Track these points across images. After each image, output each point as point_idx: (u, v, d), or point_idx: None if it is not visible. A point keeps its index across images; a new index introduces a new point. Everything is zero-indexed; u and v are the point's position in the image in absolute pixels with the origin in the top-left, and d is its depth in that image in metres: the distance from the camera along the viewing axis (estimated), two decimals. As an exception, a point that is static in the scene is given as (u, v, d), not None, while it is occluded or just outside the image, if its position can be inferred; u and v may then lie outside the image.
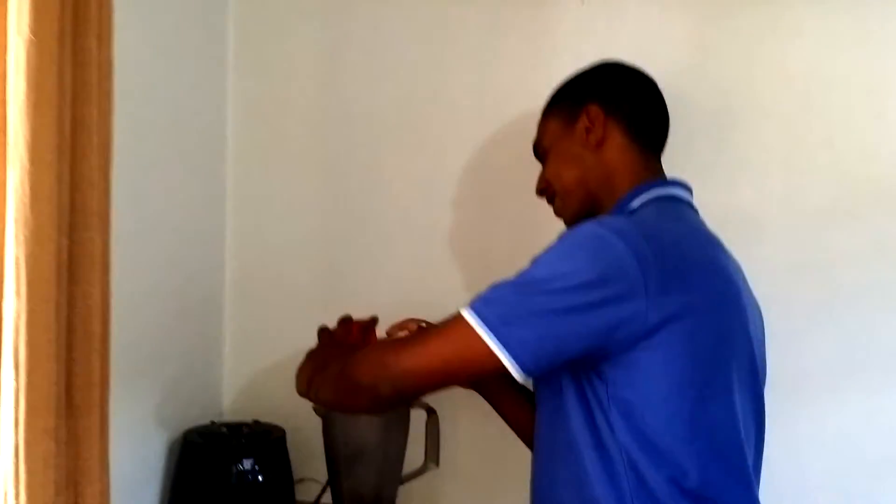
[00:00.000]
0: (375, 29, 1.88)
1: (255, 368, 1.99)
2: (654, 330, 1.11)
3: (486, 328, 1.11)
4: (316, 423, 1.71)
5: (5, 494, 1.21)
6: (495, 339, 1.11)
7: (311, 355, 1.42)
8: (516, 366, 1.11)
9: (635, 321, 1.10)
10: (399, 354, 1.18)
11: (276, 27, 1.96)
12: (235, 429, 1.80)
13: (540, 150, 1.43)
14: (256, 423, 1.85)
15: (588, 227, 1.17)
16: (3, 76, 1.17)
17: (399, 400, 1.22)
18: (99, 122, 1.27)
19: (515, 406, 1.49)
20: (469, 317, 1.13)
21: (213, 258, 1.98)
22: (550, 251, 1.17)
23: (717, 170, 1.64)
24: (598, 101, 1.33)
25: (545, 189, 1.42)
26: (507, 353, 1.10)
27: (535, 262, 1.17)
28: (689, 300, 1.13)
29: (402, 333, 1.48)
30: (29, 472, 1.19)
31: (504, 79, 1.81)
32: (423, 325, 1.45)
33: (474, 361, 1.14)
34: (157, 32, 1.72)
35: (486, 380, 1.48)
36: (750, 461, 1.23)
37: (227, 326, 2.01)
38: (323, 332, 1.46)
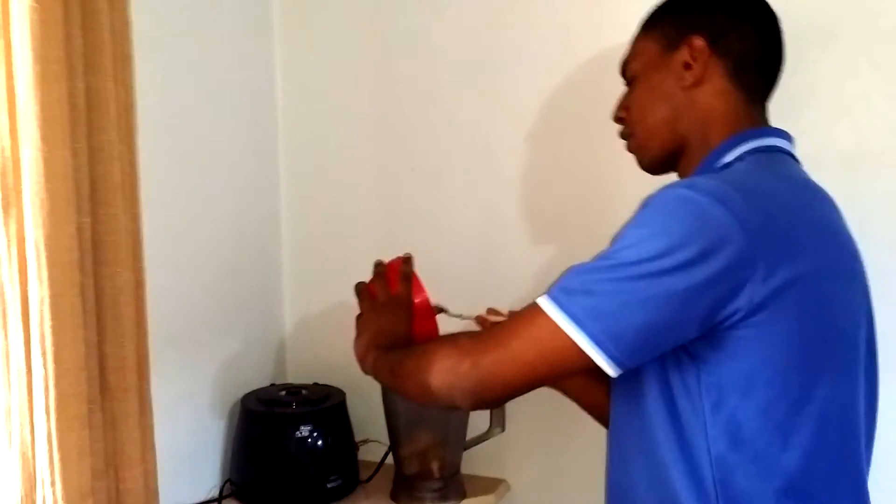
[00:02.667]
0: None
1: (315, 328, 1.93)
2: (761, 305, 0.96)
3: (574, 325, 0.97)
4: (377, 384, 1.64)
5: (42, 482, 1.18)
6: (586, 336, 0.96)
7: (362, 324, 1.32)
8: (612, 364, 0.97)
9: (741, 297, 0.95)
10: (477, 361, 1.04)
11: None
12: (294, 392, 1.75)
13: (628, 72, 1.23)
14: (316, 385, 1.80)
15: (680, 192, 0.99)
16: (9, 47, 1.10)
17: (479, 407, 1.12)
18: (117, 91, 1.19)
19: (590, 388, 1.34)
20: (553, 312, 0.98)
21: (268, 217, 1.91)
22: (638, 225, 1.00)
23: (810, 111, 1.45)
24: (705, 33, 1.13)
25: (623, 118, 1.23)
26: (600, 352, 0.96)
27: (621, 239, 1.00)
28: (802, 269, 0.97)
29: (499, 318, 1.34)
30: (63, 459, 1.16)
31: (573, 18, 1.65)
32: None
33: (563, 362, 1.00)
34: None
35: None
36: (862, 453, 1.09)
37: (285, 287, 1.95)
38: (361, 292, 1.34)
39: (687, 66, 1.13)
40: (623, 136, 1.23)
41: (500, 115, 1.73)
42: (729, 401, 1.00)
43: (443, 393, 1.07)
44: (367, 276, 1.39)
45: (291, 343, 1.96)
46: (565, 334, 0.97)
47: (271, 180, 1.91)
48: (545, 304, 0.99)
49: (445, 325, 1.35)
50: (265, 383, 1.83)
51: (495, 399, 1.09)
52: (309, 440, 1.66)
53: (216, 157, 1.71)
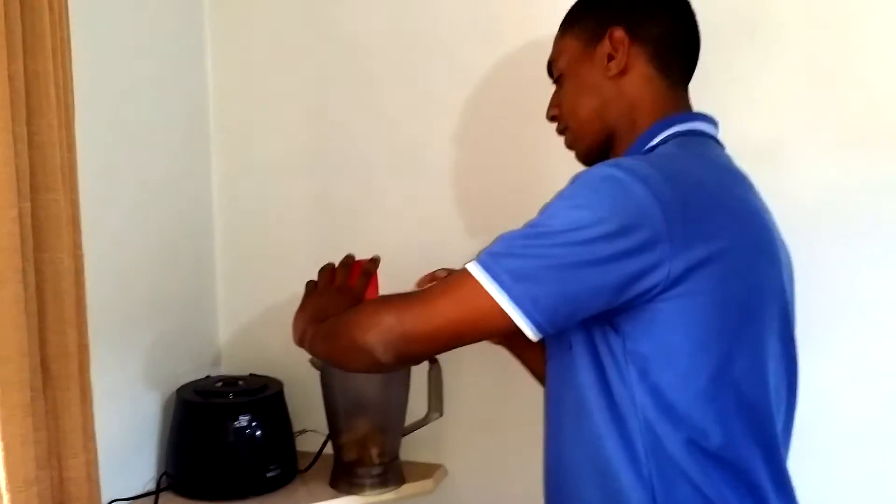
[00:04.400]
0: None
1: (250, 319, 1.92)
2: (678, 280, 1.01)
3: (496, 285, 1.01)
4: (314, 375, 1.65)
5: (-16, 474, 1.16)
6: (507, 296, 1.01)
7: (309, 300, 1.35)
8: (531, 325, 1.02)
9: (658, 272, 1.00)
10: (402, 315, 1.08)
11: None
12: (231, 383, 1.74)
13: (554, 71, 1.28)
14: (253, 376, 1.79)
15: (605, 170, 1.05)
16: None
17: (400, 364, 1.14)
18: (56, 74, 1.17)
19: (538, 356, 1.36)
20: (478, 273, 1.03)
21: (200, 206, 1.89)
22: (564, 198, 1.05)
23: (731, 99, 1.52)
24: (623, 24, 1.18)
25: (557, 116, 1.28)
26: (520, 312, 1.01)
27: (548, 210, 1.06)
28: (718, 246, 1.03)
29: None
30: (7, 449, 1.14)
31: (499, 9, 1.68)
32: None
33: (484, 322, 1.05)
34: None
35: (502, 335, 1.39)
36: (779, 420, 1.15)
37: (218, 276, 1.94)
38: (322, 272, 1.39)
39: (610, 58, 1.18)
40: (559, 131, 1.28)
41: (427, 109, 1.75)
42: (653, 370, 1.05)
43: (367, 345, 1.10)
44: (298, 271, 1.43)
45: (226, 335, 1.95)
46: (488, 294, 1.02)
47: (203, 173, 1.89)
48: (472, 267, 1.04)
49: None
50: (201, 376, 1.81)
51: (416, 354, 1.14)
52: (247, 430, 1.66)
53: (148, 150, 1.69)
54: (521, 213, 1.48)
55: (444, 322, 1.07)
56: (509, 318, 1.02)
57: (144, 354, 1.70)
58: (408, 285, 1.54)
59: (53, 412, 1.22)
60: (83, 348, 1.26)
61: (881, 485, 1.54)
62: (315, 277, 1.40)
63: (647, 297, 1.02)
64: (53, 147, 1.16)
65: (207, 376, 1.82)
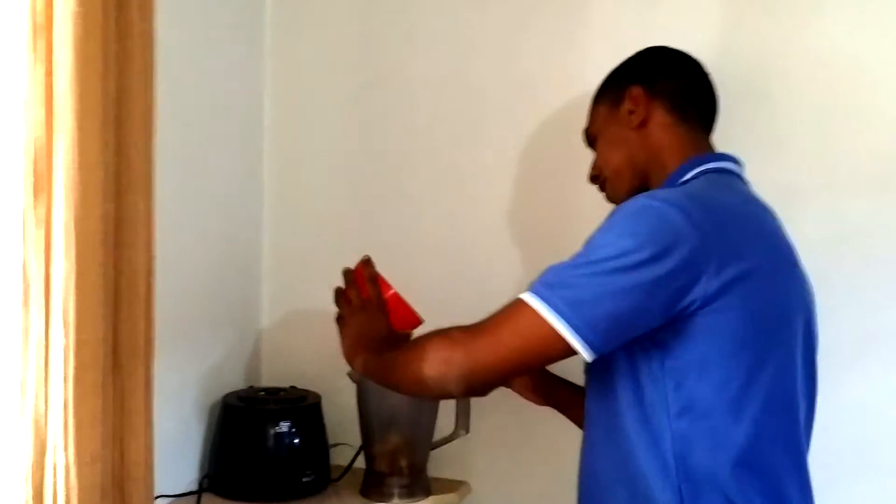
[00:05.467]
0: (408, 13, 1.93)
1: (292, 336, 2.04)
2: (714, 295, 1.12)
3: (555, 314, 1.11)
4: (350, 391, 1.76)
5: (55, 448, 1.27)
6: (566, 323, 1.11)
7: (346, 330, 1.45)
8: (588, 348, 1.12)
9: (698, 288, 1.12)
10: (469, 350, 1.18)
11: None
12: (273, 393, 1.86)
13: (590, 137, 1.45)
14: (293, 388, 1.90)
15: (641, 201, 1.18)
16: (50, 48, 1.22)
17: (469, 395, 1.24)
18: (141, 91, 1.31)
19: (574, 401, 1.48)
20: (535, 303, 1.13)
21: (250, 228, 2.03)
22: (608, 229, 1.17)
23: (750, 147, 1.65)
24: (639, 83, 1.34)
25: (597, 176, 1.43)
26: (578, 337, 1.11)
27: (592, 241, 1.17)
28: (748, 265, 1.15)
29: None
30: (78, 425, 1.26)
31: (535, 70, 1.83)
32: None
33: (546, 348, 1.14)
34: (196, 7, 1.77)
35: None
36: (802, 427, 1.25)
37: (265, 295, 2.07)
38: (338, 295, 1.49)
39: (631, 112, 1.33)
40: (600, 188, 1.43)
41: (472, 145, 1.90)
42: (688, 381, 1.16)
43: (436, 382, 1.20)
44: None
45: (268, 350, 2.06)
46: (547, 323, 1.12)
47: (255, 193, 2.03)
48: (529, 297, 1.14)
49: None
50: (242, 387, 1.93)
51: (486, 385, 1.23)
52: (286, 436, 1.77)
53: (205, 168, 1.83)
54: (551, 246, 1.62)
55: (509, 353, 1.16)
56: (568, 343, 1.11)
57: (194, 363, 1.82)
58: (448, 311, 1.67)
59: (120, 396, 1.33)
60: (149, 341, 1.38)
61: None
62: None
63: (687, 313, 1.13)
64: (137, 155, 1.30)
65: (251, 387, 1.93)
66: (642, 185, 1.34)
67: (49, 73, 1.23)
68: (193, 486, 1.78)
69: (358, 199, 1.99)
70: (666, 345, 1.16)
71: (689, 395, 1.16)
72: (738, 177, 1.33)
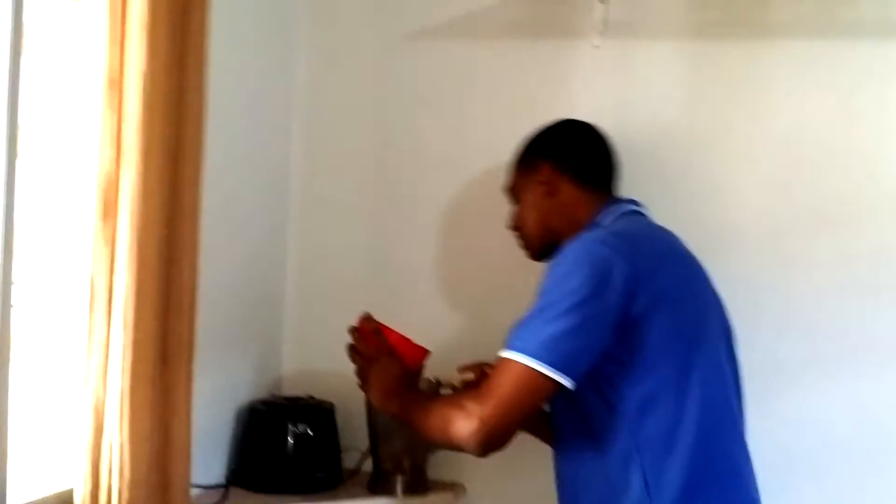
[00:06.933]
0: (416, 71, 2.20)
1: (311, 351, 2.28)
2: (647, 309, 1.38)
3: (539, 362, 1.34)
4: (359, 401, 2.00)
5: (111, 430, 1.52)
6: (549, 367, 1.34)
7: (369, 381, 1.62)
8: (568, 379, 1.35)
9: (636, 304, 1.37)
10: (484, 420, 1.36)
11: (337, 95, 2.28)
12: (293, 400, 2.11)
13: (510, 193, 1.73)
14: (311, 397, 2.14)
15: (573, 246, 1.44)
16: (121, 99, 1.49)
17: (494, 447, 1.41)
18: (192, 138, 1.59)
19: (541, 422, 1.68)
20: (521, 358, 1.36)
21: (275, 256, 2.28)
22: (552, 276, 1.42)
23: (698, 196, 1.92)
24: (549, 160, 1.62)
25: (514, 227, 1.71)
26: (558, 373, 1.34)
27: (545, 288, 1.42)
28: (665, 283, 1.42)
29: (469, 375, 1.71)
30: (132, 410, 1.51)
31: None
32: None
33: (539, 393, 1.38)
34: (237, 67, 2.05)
35: None
36: (735, 409, 1.50)
37: (287, 316, 2.31)
38: (351, 350, 1.65)
39: (542, 184, 1.62)
40: (517, 238, 1.72)
41: (468, 190, 2.16)
42: (638, 382, 1.41)
43: (467, 442, 1.40)
44: (352, 311, 1.70)
45: (289, 363, 2.31)
46: (536, 371, 1.35)
47: (280, 221, 2.29)
48: (511, 355, 1.38)
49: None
50: (266, 395, 2.18)
51: (504, 440, 1.42)
52: (303, 438, 2.01)
53: (238, 202, 2.09)
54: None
55: (515, 409, 1.38)
56: (556, 382, 1.35)
57: (223, 371, 2.04)
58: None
59: (167, 388, 1.58)
60: (192, 344, 1.63)
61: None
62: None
63: (630, 323, 1.38)
64: (189, 188, 1.58)
65: (273, 395, 2.18)
66: (553, 240, 1.60)
67: (119, 120, 1.50)
68: (222, 480, 2.03)
69: (374, 234, 2.25)
70: (617, 358, 1.40)
71: (640, 395, 1.41)
72: (643, 215, 1.60)
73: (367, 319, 1.65)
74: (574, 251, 1.43)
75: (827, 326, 1.84)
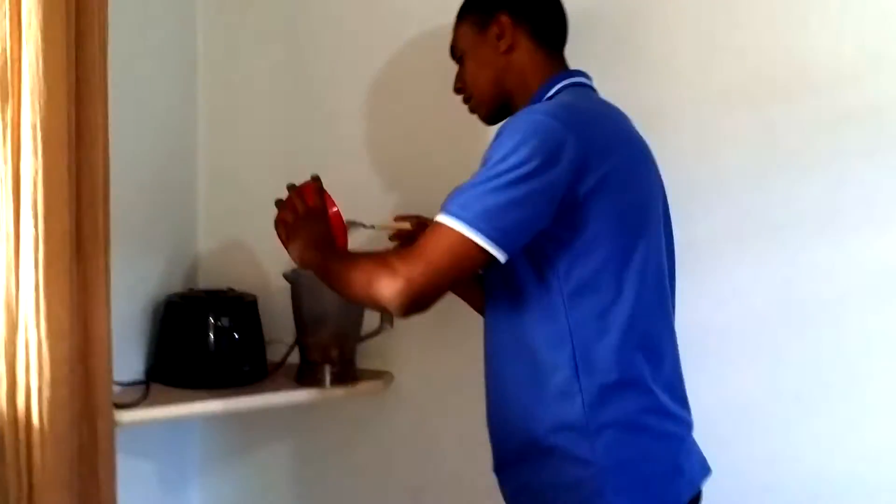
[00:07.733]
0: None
1: (228, 243, 2.20)
2: (594, 187, 1.34)
3: (475, 232, 1.29)
4: (283, 294, 1.95)
5: (26, 326, 1.43)
6: (483, 236, 1.29)
7: (293, 234, 1.55)
8: (503, 252, 1.31)
9: (582, 185, 1.33)
10: (409, 279, 1.30)
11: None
12: (212, 293, 2.03)
13: (456, 53, 1.62)
14: (231, 290, 2.07)
15: (524, 116, 1.38)
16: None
17: (417, 310, 1.35)
18: (96, 9, 1.46)
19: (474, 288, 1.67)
20: (455, 224, 1.30)
21: (186, 141, 2.17)
22: (500, 146, 1.35)
23: (624, 65, 1.88)
24: (507, 11, 1.52)
25: (461, 88, 1.62)
26: (494, 245, 1.30)
27: (490, 157, 1.35)
28: (614, 162, 1.37)
29: (405, 224, 1.70)
30: (48, 305, 1.42)
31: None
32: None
33: (471, 261, 1.32)
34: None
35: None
36: (668, 295, 1.51)
37: (200, 206, 2.22)
38: (285, 203, 1.59)
39: (499, 37, 1.52)
40: (465, 101, 1.63)
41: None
42: (577, 263, 1.38)
43: (390, 301, 1.33)
44: (270, 199, 1.61)
45: (205, 257, 2.23)
46: (469, 239, 1.29)
47: (189, 110, 2.18)
48: (448, 220, 1.31)
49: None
50: (183, 289, 2.10)
51: (427, 304, 1.36)
52: (225, 331, 1.94)
53: (148, 89, 1.98)
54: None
55: (442, 273, 1.32)
56: (488, 252, 1.30)
57: (134, 265, 1.94)
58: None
59: (83, 281, 1.50)
60: (107, 234, 1.54)
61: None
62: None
63: (577, 203, 1.34)
64: (94, 67, 1.46)
65: (190, 289, 2.10)
66: (505, 103, 1.54)
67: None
68: (142, 377, 1.96)
69: (287, 120, 2.16)
70: (558, 236, 1.37)
71: (579, 276, 1.38)
72: (592, 88, 1.55)
73: (316, 181, 1.61)
74: (524, 121, 1.37)
75: (752, 202, 1.86)
